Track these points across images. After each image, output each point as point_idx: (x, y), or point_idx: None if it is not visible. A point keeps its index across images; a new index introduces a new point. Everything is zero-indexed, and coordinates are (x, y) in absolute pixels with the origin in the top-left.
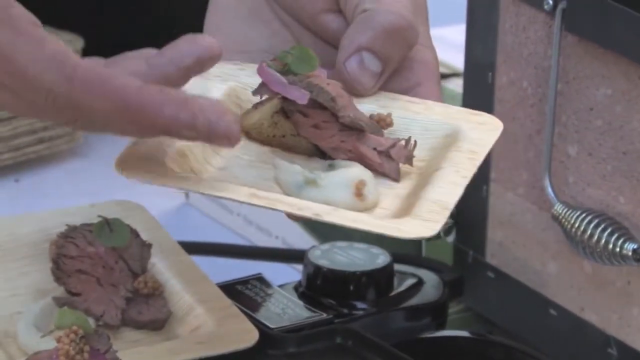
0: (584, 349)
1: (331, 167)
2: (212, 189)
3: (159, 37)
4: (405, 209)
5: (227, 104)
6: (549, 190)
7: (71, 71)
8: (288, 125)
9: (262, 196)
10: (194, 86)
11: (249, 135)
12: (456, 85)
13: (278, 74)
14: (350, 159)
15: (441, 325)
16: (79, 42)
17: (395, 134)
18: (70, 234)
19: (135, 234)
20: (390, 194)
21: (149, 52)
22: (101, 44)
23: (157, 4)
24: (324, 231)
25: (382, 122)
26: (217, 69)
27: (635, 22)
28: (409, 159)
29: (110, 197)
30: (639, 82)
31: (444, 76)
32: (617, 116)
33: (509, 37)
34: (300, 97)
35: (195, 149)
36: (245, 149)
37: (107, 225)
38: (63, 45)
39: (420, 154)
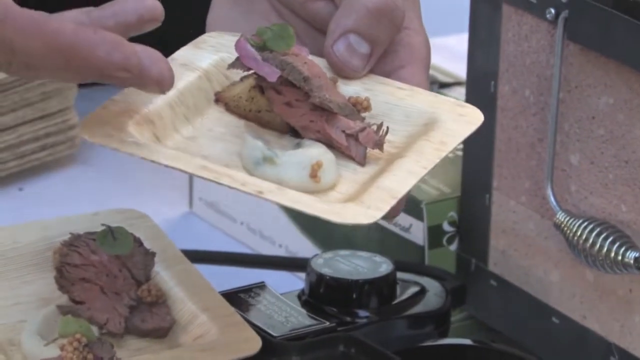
0: (586, 357)
1: (298, 146)
2: (163, 157)
3: (158, 37)
4: (358, 195)
5: (215, 75)
6: (551, 198)
7: (3, 13)
8: (263, 101)
9: (211, 169)
10: (185, 53)
11: (229, 107)
12: (459, 94)
13: (253, 50)
14: (318, 139)
15: (444, 334)
16: None
17: (376, 118)
18: (74, 243)
19: (138, 242)
20: (351, 178)
21: (92, 8)
22: None
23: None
24: (328, 240)
25: (358, 106)
26: (215, 39)
27: (638, 30)
28: (378, 145)
29: (114, 204)
30: None
31: (447, 85)
32: (619, 125)
33: (511, 46)
34: (271, 74)
35: (165, 116)
36: (222, 121)
37: (111, 233)
38: None
39: (396, 140)
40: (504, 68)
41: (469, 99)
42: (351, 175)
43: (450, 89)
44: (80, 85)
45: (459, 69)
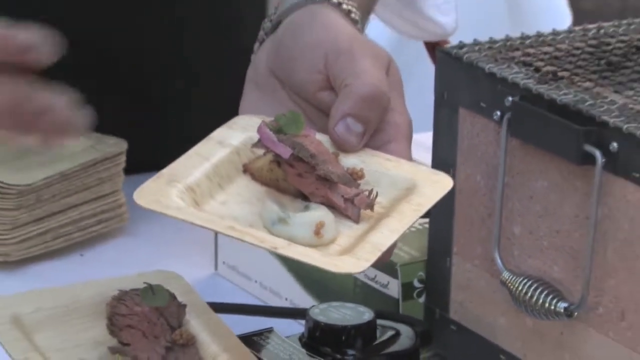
0: None
1: (306, 208)
2: (199, 220)
3: (205, 118)
4: (352, 248)
5: (243, 150)
6: (498, 261)
7: None
8: (280, 172)
9: (237, 229)
10: (220, 133)
11: (254, 176)
12: None
13: (271, 133)
14: (322, 203)
15: None
16: (123, 145)
17: (369, 184)
18: (122, 297)
19: (173, 296)
20: (347, 233)
21: None
22: (142, 146)
23: (194, 108)
24: (323, 294)
25: (354, 175)
26: (244, 120)
27: (565, 128)
28: (370, 206)
29: (154, 267)
30: (568, 176)
31: None
32: (552, 203)
33: (466, 141)
34: (284, 152)
35: (203, 185)
36: (248, 188)
37: (151, 289)
38: None
39: (384, 202)
40: (461, 158)
41: None
42: (348, 231)
43: None
44: (127, 173)
45: (427, 159)
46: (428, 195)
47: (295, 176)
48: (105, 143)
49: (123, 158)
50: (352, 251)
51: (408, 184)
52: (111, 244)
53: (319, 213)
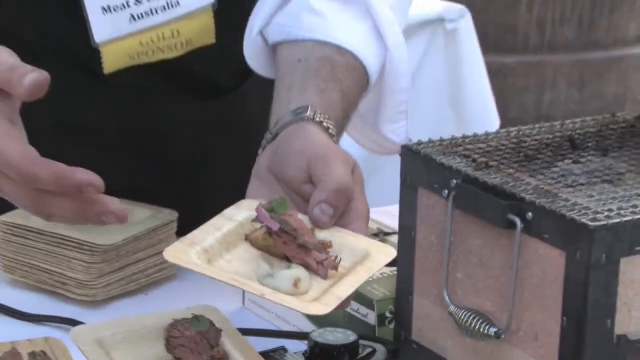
0: None
1: (288, 267)
2: (210, 272)
3: (220, 202)
4: (320, 297)
5: (246, 224)
6: (446, 298)
7: None
8: (271, 240)
9: (237, 280)
10: (229, 211)
11: (252, 243)
12: (394, 238)
13: (265, 212)
14: (300, 264)
15: None
16: (175, 214)
17: (335, 252)
18: (176, 324)
19: (212, 323)
20: (318, 286)
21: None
22: (193, 215)
23: (215, 192)
24: (320, 322)
25: (324, 245)
26: (248, 202)
27: (494, 202)
28: (335, 268)
29: (198, 302)
30: (497, 237)
31: (388, 233)
32: (485, 256)
33: (423, 211)
34: (274, 226)
35: (215, 248)
36: (247, 251)
37: (196, 319)
38: None
39: (345, 265)
40: (419, 223)
41: (400, 242)
42: (318, 285)
43: (391, 236)
44: (178, 234)
45: (394, 224)
46: (378, 260)
47: (281, 244)
48: (163, 212)
49: (175, 224)
50: (319, 299)
51: (363, 252)
52: (167, 286)
53: (298, 271)
